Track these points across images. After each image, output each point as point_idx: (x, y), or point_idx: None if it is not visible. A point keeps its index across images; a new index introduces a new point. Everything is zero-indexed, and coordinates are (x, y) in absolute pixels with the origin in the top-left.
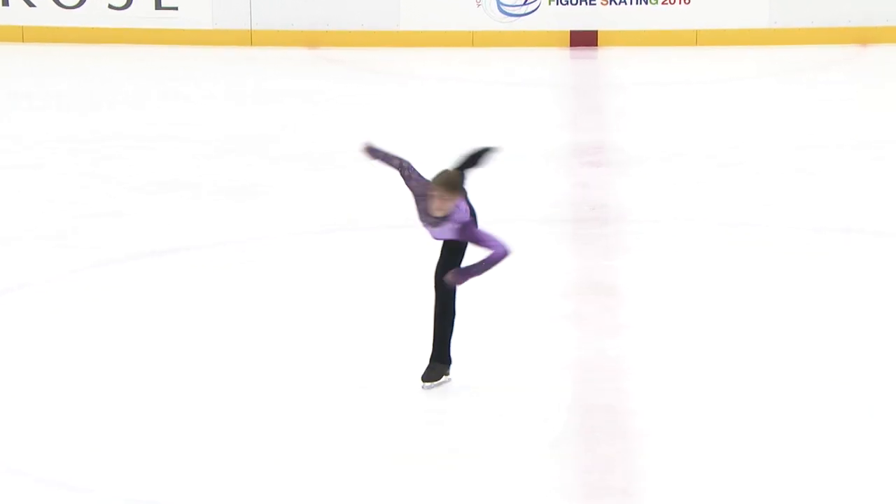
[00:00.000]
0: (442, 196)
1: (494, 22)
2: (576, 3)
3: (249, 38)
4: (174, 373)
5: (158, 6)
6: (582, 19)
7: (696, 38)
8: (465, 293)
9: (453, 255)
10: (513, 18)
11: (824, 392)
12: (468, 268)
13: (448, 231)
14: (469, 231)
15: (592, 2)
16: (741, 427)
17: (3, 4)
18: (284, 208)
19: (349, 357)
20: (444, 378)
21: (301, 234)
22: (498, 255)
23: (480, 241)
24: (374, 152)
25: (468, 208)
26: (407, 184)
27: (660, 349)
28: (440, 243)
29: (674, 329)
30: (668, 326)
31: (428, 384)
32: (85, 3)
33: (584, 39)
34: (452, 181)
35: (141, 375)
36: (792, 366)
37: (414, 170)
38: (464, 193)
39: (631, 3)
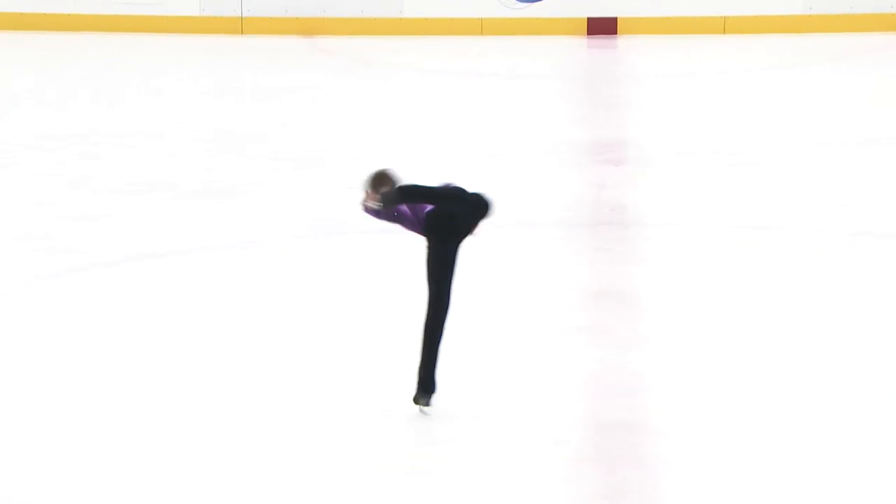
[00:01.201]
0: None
1: (505, 9)
2: None
3: (240, 27)
4: (156, 386)
5: None
6: (600, 5)
7: (724, 26)
8: (474, 304)
9: (437, 256)
10: (525, 5)
11: (862, 416)
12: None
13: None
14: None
15: None
16: (770, 451)
17: None
18: (273, 211)
19: (343, 371)
20: (423, 407)
21: (289, 238)
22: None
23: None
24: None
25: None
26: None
27: (682, 363)
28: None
29: (697, 341)
30: (691, 338)
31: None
32: None
33: (601, 27)
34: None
35: (119, 389)
36: (824, 382)
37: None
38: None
39: None
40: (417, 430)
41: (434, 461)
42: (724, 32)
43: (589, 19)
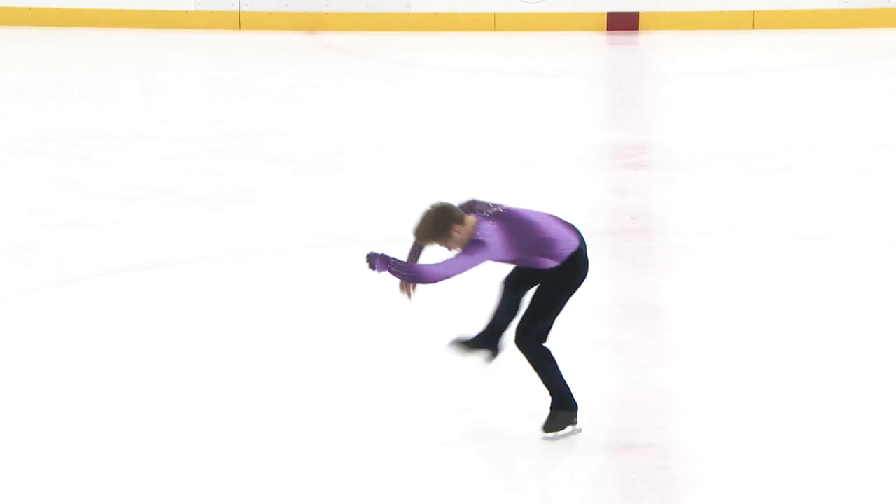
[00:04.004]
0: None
1: (520, 3)
2: None
3: (238, 22)
4: (149, 404)
5: None
6: None
7: (754, 21)
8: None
9: (531, 302)
10: None
11: None
12: (396, 260)
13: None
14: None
15: None
16: (803, 475)
17: None
18: (276, 219)
19: (350, 385)
20: (569, 428)
21: (294, 248)
22: (428, 271)
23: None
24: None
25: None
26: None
27: (710, 380)
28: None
29: (726, 357)
30: (720, 354)
31: (550, 434)
32: None
33: (623, 22)
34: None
35: (109, 408)
36: (862, 404)
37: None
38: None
39: None
40: (427, 452)
41: (446, 484)
42: (754, 28)
43: (609, 14)
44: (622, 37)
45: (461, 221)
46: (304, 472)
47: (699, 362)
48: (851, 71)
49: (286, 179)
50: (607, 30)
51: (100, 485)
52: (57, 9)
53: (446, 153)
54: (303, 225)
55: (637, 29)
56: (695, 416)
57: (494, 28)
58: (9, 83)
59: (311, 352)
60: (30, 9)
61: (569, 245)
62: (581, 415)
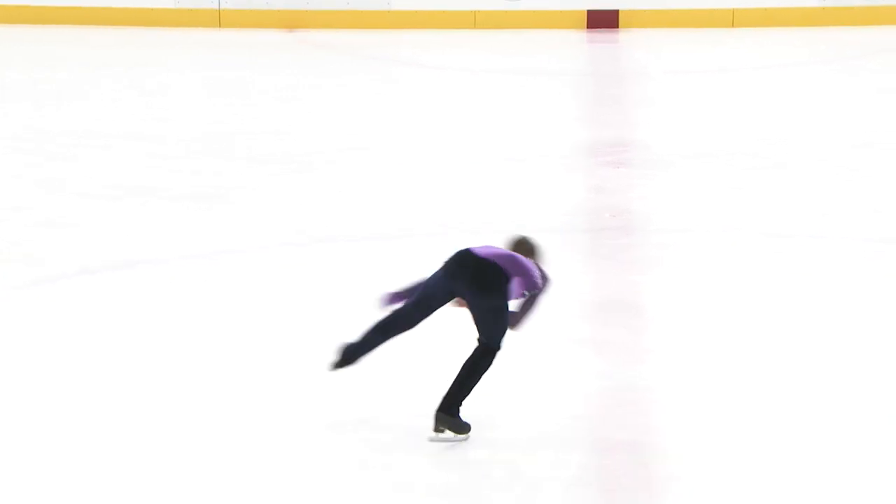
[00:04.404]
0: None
1: (500, 0)
2: None
3: (218, 19)
4: (127, 402)
5: None
6: None
7: (733, 19)
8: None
9: (490, 314)
10: None
11: (878, 436)
12: (522, 312)
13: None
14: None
15: None
16: (783, 472)
17: None
18: (259, 217)
19: (334, 387)
20: (445, 434)
21: (277, 246)
22: (538, 286)
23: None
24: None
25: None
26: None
27: (690, 378)
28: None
29: (706, 355)
30: (699, 352)
31: (433, 435)
32: None
33: (603, 20)
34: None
35: (87, 406)
36: (841, 401)
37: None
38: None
39: None
40: (406, 449)
41: (424, 483)
42: (733, 26)
43: (589, 12)
44: (602, 34)
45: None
46: (278, 468)
47: (679, 360)
48: (837, 69)
49: (266, 178)
50: (587, 27)
51: (75, 482)
52: (32, 7)
53: (425, 151)
54: (286, 222)
55: (617, 27)
56: (675, 414)
57: (475, 25)
58: None
59: (292, 348)
60: (4, 7)
61: None
62: (561, 413)
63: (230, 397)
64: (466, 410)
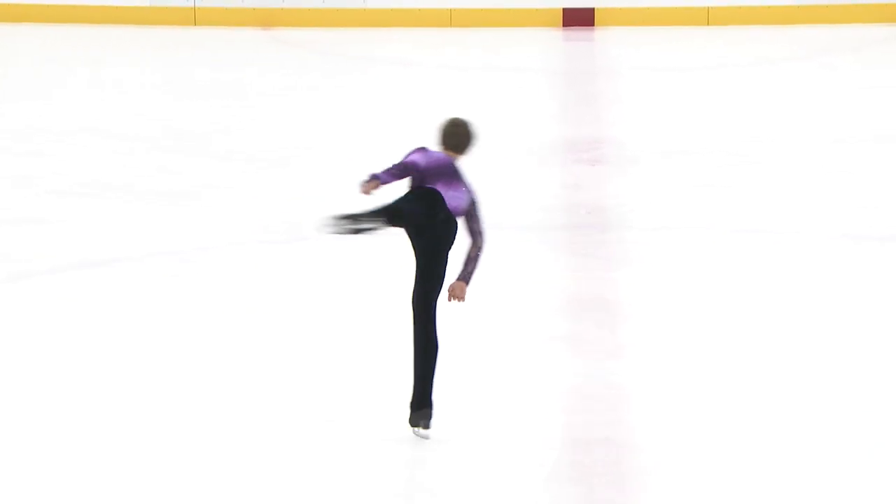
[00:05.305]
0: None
1: None
2: None
3: (193, 17)
4: (102, 399)
5: None
6: None
7: (708, 17)
8: (445, 313)
9: (427, 279)
10: None
11: (855, 432)
12: (463, 275)
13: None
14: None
15: None
16: (756, 467)
17: None
18: (232, 214)
19: (311, 386)
20: (422, 429)
21: (250, 243)
22: (481, 244)
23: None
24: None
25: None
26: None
27: (665, 374)
28: (412, 268)
29: (681, 351)
30: (675, 348)
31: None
32: None
33: (578, 18)
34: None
35: (61, 403)
36: (815, 396)
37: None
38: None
39: None
40: (387, 450)
41: (403, 483)
42: (708, 24)
43: (565, 10)
44: (578, 32)
45: None
46: (257, 463)
47: (654, 356)
48: (812, 66)
49: (240, 176)
50: (563, 25)
51: (50, 480)
52: (9, 4)
53: (400, 148)
54: (258, 220)
55: (593, 25)
56: (650, 410)
57: (450, 24)
58: None
59: (269, 344)
60: None
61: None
62: (536, 409)
63: (208, 394)
64: (444, 407)
